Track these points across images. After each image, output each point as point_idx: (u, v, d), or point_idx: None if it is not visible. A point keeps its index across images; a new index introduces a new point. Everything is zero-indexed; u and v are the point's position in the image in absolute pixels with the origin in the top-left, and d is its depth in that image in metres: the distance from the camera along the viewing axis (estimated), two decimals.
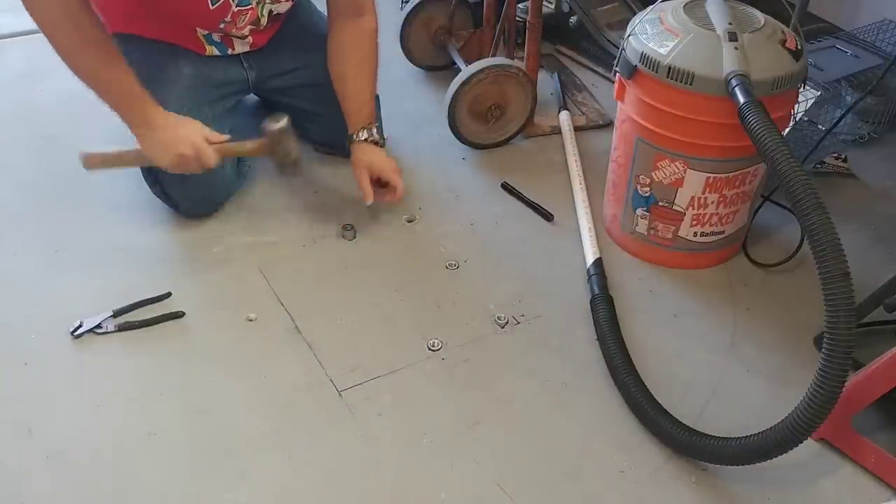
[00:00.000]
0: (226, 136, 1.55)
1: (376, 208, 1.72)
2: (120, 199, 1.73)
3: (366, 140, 1.68)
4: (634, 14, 1.76)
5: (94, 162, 1.57)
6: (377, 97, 1.89)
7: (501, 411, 1.35)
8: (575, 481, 1.25)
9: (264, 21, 1.65)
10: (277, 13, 1.68)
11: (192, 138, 1.50)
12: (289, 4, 1.68)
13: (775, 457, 1.16)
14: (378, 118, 1.87)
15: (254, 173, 1.83)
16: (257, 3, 1.60)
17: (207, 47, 1.67)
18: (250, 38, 1.70)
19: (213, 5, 1.53)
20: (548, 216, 1.76)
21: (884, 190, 1.89)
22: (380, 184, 1.70)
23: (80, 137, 1.91)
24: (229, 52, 1.70)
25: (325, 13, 1.87)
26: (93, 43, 1.43)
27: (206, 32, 1.64)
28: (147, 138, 1.50)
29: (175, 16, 1.58)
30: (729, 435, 1.21)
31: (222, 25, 1.60)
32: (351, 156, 1.70)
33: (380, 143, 1.71)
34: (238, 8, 1.56)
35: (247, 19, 1.61)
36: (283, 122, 1.56)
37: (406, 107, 2.07)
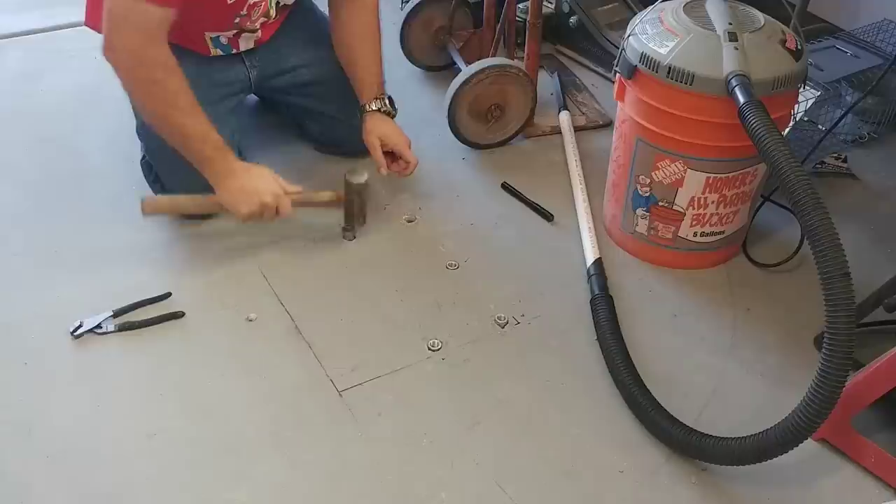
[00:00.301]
0: (299, 187, 1.58)
1: (376, 198, 1.72)
2: (120, 199, 1.73)
3: (378, 110, 1.69)
4: (634, 14, 1.77)
5: (156, 206, 1.59)
6: None
7: (501, 411, 1.35)
8: (575, 481, 1.25)
9: (273, 13, 1.66)
10: (285, 4, 1.68)
11: (272, 187, 1.52)
12: None
13: (775, 457, 1.16)
14: None
15: None
16: None
17: (213, 50, 1.67)
18: (259, 33, 1.70)
19: (230, 0, 1.52)
20: (548, 216, 1.76)
21: (884, 190, 1.89)
22: (391, 156, 1.71)
23: (80, 137, 1.92)
24: (233, 51, 1.69)
25: (326, 13, 1.88)
26: (179, 99, 1.44)
27: (215, 35, 1.64)
28: (228, 188, 1.52)
29: (189, 20, 1.57)
30: (729, 435, 1.21)
31: (237, 20, 1.59)
32: (363, 125, 1.70)
33: (392, 113, 1.71)
34: (253, 1, 1.57)
35: (260, 11, 1.61)
36: (365, 177, 1.59)
37: (406, 107, 2.05)
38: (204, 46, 1.66)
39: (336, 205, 1.63)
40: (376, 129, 1.69)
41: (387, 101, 1.71)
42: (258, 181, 1.53)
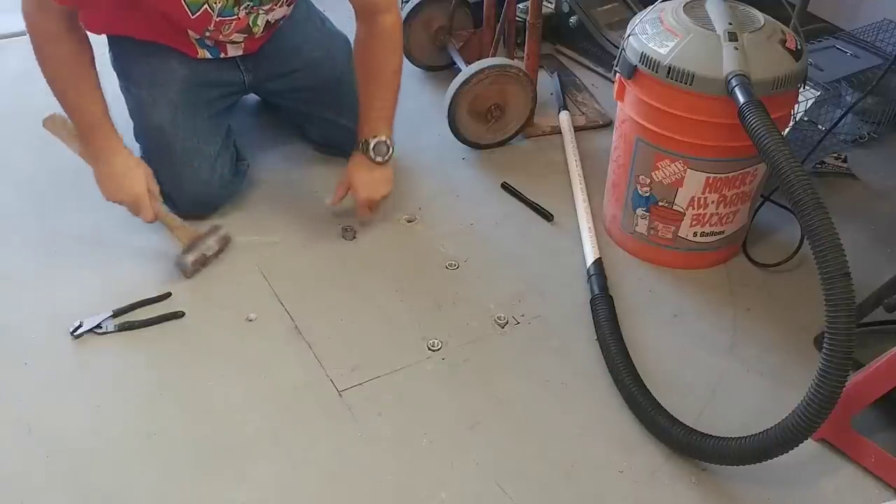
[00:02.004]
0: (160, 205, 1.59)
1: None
2: None
3: (363, 153, 1.63)
4: (634, 14, 1.76)
5: (55, 126, 1.59)
6: None
7: (501, 411, 1.35)
8: (575, 481, 1.25)
9: (259, 30, 1.61)
10: (274, 20, 1.64)
11: (135, 188, 1.54)
12: (284, 11, 1.63)
13: (775, 457, 1.16)
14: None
15: (254, 173, 1.83)
16: (247, 14, 1.55)
17: (200, 51, 1.65)
18: (243, 44, 1.67)
19: (193, 15, 1.49)
20: (548, 216, 1.76)
21: (884, 190, 1.89)
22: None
23: None
24: (222, 55, 1.67)
25: (324, 13, 1.88)
26: (63, 68, 1.46)
27: (198, 37, 1.62)
28: (98, 168, 1.56)
29: (163, 20, 1.56)
30: (729, 435, 1.21)
31: (207, 33, 1.57)
32: (348, 162, 1.67)
33: (376, 160, 1.62)
34: (220, 18, 1.52)
35: (232, 28, 1.56)
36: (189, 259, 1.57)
37: (406, 107, 2.05)
38: (191, 47, 1.63)
39: (185, 236, 1.60)
40: (350, 174, 1.65)
41: (371, 146, 1.61)
42: (124, 176, 1.55)
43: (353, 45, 1.64)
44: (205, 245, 1.59)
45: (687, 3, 1.50)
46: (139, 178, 1.55)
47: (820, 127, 1.86)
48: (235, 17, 1.54)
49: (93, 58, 1.49)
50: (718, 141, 1.45)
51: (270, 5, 1.57)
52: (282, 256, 1.64)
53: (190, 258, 1.56)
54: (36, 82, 2.01)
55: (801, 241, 1.59)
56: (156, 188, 1.58)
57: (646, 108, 1.49)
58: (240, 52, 1.69)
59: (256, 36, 1.64)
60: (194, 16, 1.49)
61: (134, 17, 1.58)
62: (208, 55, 1.66)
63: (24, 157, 1.88)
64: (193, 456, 1.27)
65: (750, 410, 1.35)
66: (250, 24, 1.58)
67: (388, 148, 1.63)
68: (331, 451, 1.28)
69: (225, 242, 1.63)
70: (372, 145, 1.61)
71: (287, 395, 1.36)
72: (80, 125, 1.53)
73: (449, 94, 1.87)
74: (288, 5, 1.63)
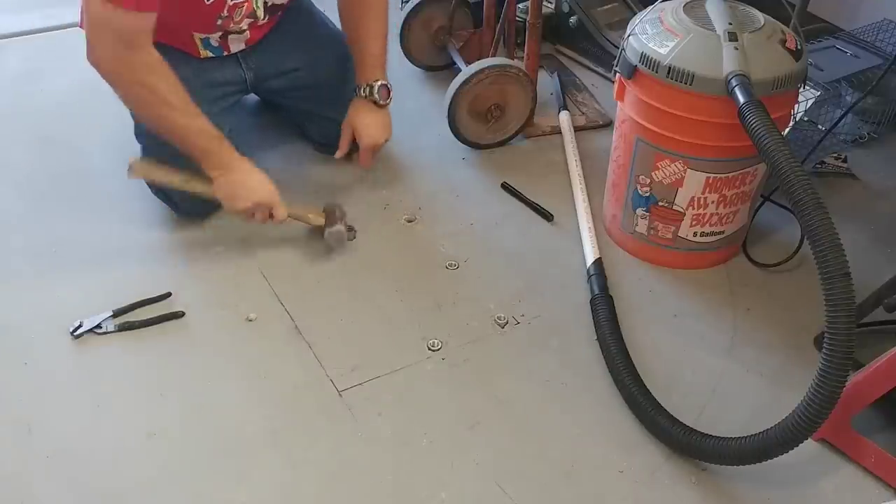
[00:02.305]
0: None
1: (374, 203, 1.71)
2: (120, 199, 1.73)
3: (364, 97, 1.67)
4: (634, 14, 1.77)
5: (145, 173, 1.58)
6: None
7: (501, 411, 1.35)
8: (575, 481, 1.25)
9: (261, 13, 1.63)
10: (273, 4, 1.65)
11: (270, 189, 1.54)
12: None
13: (775, 457, 1.16)
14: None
15: None
16: None
17: (202, 51, 1.65)
18: (248, 34, 1.68)
19: (208, 1, 1.51)
20: (548, 216, 1.76)
21: (884, 190, 1.89)
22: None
23: (80, 137, 1.92)
24: (224, 53, 1.68)
25: (325, 13, 1.88)
26: (170, 98, 1.43)
27: (204, 37, 1.63)
28: (227, 180, 1.52)
29: (172, 21, 1.57)
30: (729, 435, 1.21)
31: (219, 22, 1.58)
32: (350, 107, 1.70)
33: (379, 102, 1.67)
34: (233, 1, 1.55)
35: (243, 12, 1.59)
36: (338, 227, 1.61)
37: (406, 107, 2.06)
38: (194, 48, 1.64)
39: (319, 230, 1.62)
40: (353, 118, 1.68)
41: (374, 89, 1.66)
42: (256, 181, 1.54)
43: (339, 2, 1.67)
44: (339, 214, 1.62)
45: (687, 3, 1.50)
46: (266, 180, 1.55)
47: (820, 127, 1.86)
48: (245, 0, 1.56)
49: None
50: (718, 141, 1.45)
51: None
52: (282, 256, 1.64)
53: (341, 227, 1.60)
54: (36, 82, 2.01)
55: (801, 241, 1.59)
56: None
57: (646, 108, 1.49)
58: (242, 46, 1.70)
59: (260, 22, 1.66)
60: (209, 2, 1.51)
61: None
62: (210, 55, 1.67)
63: (24, 157, 1.88)
64: (193, 456, 1.27)
65: (750, 410, 1.35)
66: (255, 7, 1.61)
67: (389, 90, 1.68)
68: (331, 451, 1.28)
69: (343, 209, 1.65)
70: (375, 88, 1.66)
71: (287, 395, 1.36)
72: (199, 145, 1.49)
73: (449, 94, 1.87)
74: None
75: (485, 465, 1.27)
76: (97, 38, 1.38)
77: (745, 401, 1.38)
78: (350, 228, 1.67)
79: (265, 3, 1.63)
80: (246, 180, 1.53)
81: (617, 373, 1.37)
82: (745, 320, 1.54)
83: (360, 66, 1.68)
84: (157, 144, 1.64)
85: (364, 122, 1.68)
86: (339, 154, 1.72)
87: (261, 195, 1.53)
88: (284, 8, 1.71)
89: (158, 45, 1.61)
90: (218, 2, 1.53)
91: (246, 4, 1.58)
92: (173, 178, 1.57)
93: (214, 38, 1.64)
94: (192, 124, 1.48)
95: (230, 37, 1.66)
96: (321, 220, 1.62)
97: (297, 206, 1.63)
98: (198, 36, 1.62)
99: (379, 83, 1.67)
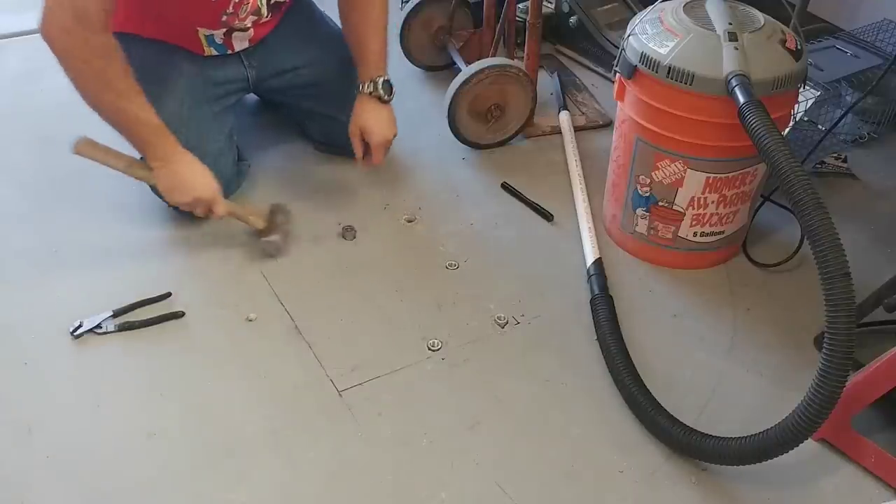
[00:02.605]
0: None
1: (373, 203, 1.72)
2: (120, 199, 1.73)
3: (369, 94, 1.67)
4: (634, 14, 1.77)
5: (89, 150, 1.56)
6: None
7: (501, 411, 1.35)
8: (575, 481, 1.25)
9: (265, 11, 1.63)
10: (277, 2, 1.66)
11: (210, 185, 1.53)
12: None
13: (775, 457, 1.16)
14: None
15: (254, 172, 1.83)
16: None
17: (207, 48, 1.66)
18: (251, 31, 1.68)
19: None
20: (548, 216, 1.76)
21: (884, 190, 1.89)
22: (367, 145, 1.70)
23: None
24: (228, 52, 1.69)
25: (325, 13, 1.88)
26: (117, 83, 1.43)
27: (209, 33, 1.63)
28: (165, 172, 1.52)
29: (178, 17, 1.58)
30: (729, 435, 1.21)
31: (224, 18, 1.58)
32: (355, 105, 1.69)
33: (384, 98, 1.67)
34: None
35: (248, 9, 1.59)
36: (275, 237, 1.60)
37: (406, 107, 2.06)
38: (198, 45, 1.65)
39: (260, 222, 1.61)
40: (360, 118, 1.67)
41: (379, 85, 1.66)
42: (194, 175, 1.53)
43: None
44: (280, 220, 1.61)
45: (687, 3, 1.50)
46: (209, 175, 1.54)
47: (820, 127, 1.86)
48: None
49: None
50: (718, 141, 1.45)
51: None
52: (282, 256, 1.64)
53: (277, 237, 1.58)
54: (36, 82, 2.01)
55: (801, 241, 1.59)
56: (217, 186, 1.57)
57: (646, 108, 1.49)
58: (246, 45, 1.70)
59: (263, 20, 1.66)
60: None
61: (146, 16, 1.59)
62: (215, 52, 1.67)
63: (24, 157, 1.88)
64: (193, 456, 1.27)
65: (750, 410, 1.35)
66: (259, 3, 1.60)
67: (392, 87, 1.68)
68: (331, 451, 1.28)
69: (288, 214, 1.64)
70: (380, 84, 1.66)
71: (287, 395, 1.36)
72: (141, 136, 1.49)
73: (449, 94, 1.87)
74: None
75: (485, 465, 1.27)
76: (53, 13, 1.36)
77: (745, 401, 1.38)
78: (352, 231, 1.67)
79: (270, 1, 1.63)
80: (186, 174, 1.53)
81: (617, 373, 1.37)
82: (745, 320, 1.54)
83: (363, 63, 1.67)
84: None
85: (372, 120, 1.67)
86: (358, 160, 1.69)
87: (200, 191, 1.53)
88: (287, 5, 1.72)
89: (163, 44, 1.63)
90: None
91: (251, 1, 1.58)
92: (116, 162, 1.55)
93: (219, 36, 1.64)
94: (137, 113, 1.46)
95: (234, 34, 1.66)
96: (261, 224, 1.61)
97: (240, 205, 1.62)
98: (202, 32, 1.63)
99: (382, 79, 1.66)
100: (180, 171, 1.52)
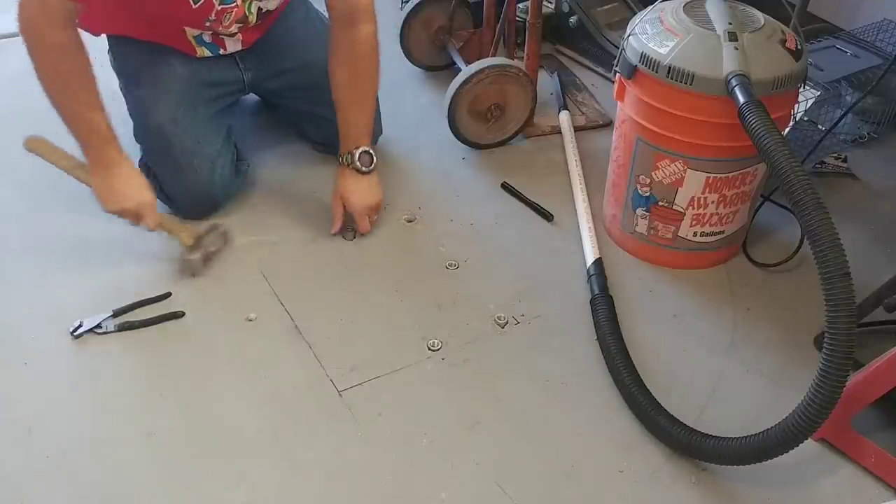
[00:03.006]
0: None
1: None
2: None
3: (348, 166, 1.65)
4: (634, 14, 1.76)
5: (37, 147, 1.56)
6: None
7: (501, 411, 1.35)
8: (575, 481, 1.25)
9: (253, 18, 1.62)
10: (267, 10, 1.65)
11: (140, 198, 1.52)
12: (278, 1, 1.65)
13: (776, 457, 1.16)
14: (378, 126, 1.86)
15: (254, 173, 1.83)
16: (243, 1, 1.56)
17: (198, 48, 1.65)
18: (240, 36, 1.68)
19: (195, 4, 1.50)
20: (548, 216, 1.76)
21: (884, 190, 1.89)
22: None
23: None
24: (221, 52, 1.68)
25: (324, 12, 1.88)
26: (70, 81, 1.43)
27: (197, 33, 1.62)
28: (101, 178, 1.52)
29: (161, 16, 1.56)
30: (729, 435, 1.21)
31: (208, 24, 1.57)
32: (336, 177, 1.67)
33: (362, 170, 1.64)
34: (222, 6, 1.53)
35: (232, 17, 1.58)
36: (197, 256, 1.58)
37: (406, 107, 2.06)
38: (189, 46, 1.64)
39: (190, 240, 1.60)
40: (342, 188, 1.66)
41: (356, 157, 1.63)
42: (127, 185, 1.52)
43: (328, 56, 1.62)
44: (208, 242, 1.60)
45: (687, 3, 1.50)
46: (144, 186, 1.54)
47: (820, 127, 1.86)
48: (234, 5, 1.55)
49: (92, 67, 1.46)
50: (718, 141, 1.45)
51: None
52: (282, 256, 1.64)
53: (198, 256, 1.57)
54: (36, 82, 2.00)
55: (801, 241, 1.59)
56: (154, 201, 1.57)
57: (646, 108, 1.49)
58: (238, 47, 1.70)
59: (251, 25, 1.65)
60: (196, 5, 1.50)
61: (131, 16, 1.59)
62: (207, 53, 1.66)
63: (24, 157, 1.86)
64: (193, 456, 1.27)
65: (750, 410, 1.35)
66: (246, 12, 1.59)
67: (372, 157, 1.65)
68: (331, 451, 1.28)
69: (225, 239, 1.64)
70: (357, 156, 1.64)
71: (287, 395, 1.36)
72: (83, 136, 1.49)
73: (449, 94, 1.87)
74: None
75: (485, 465, 1.27)
76: (23, 5, 1.37)
77: (745, 401, 1.38)
78: (352, 231, 1.68)
79: (259, 9, 1.62)
80: (119, 184, 1.52)
81: (617, 373, 1.37)
82: (745, 320, 1.54)
83: (344, 136, 1.65)
84: (157, 145, 1.64)
85: (351, 191, 1.65)
86: (333, 229, 1.67)
87: (130, 204, 1.52)
88: (277, 13, 1.70)
89: (158, 47, 1.62)
90: (205, 5, 1.51)
91: (235, 10, 1.56)
92: (62, 162, 1.55)
93: (207, 35, 1.64)
94: (85, 115, 1.46)
95: (224, 38, 1.66)
96: (189, 242, 1.59)
97: (174, 220, 1.62)
98: (190, 33, 1.62)
99: (360, 150, 1.64)
100: (115, 180, 1.52)
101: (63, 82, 1.43)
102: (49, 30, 1.38)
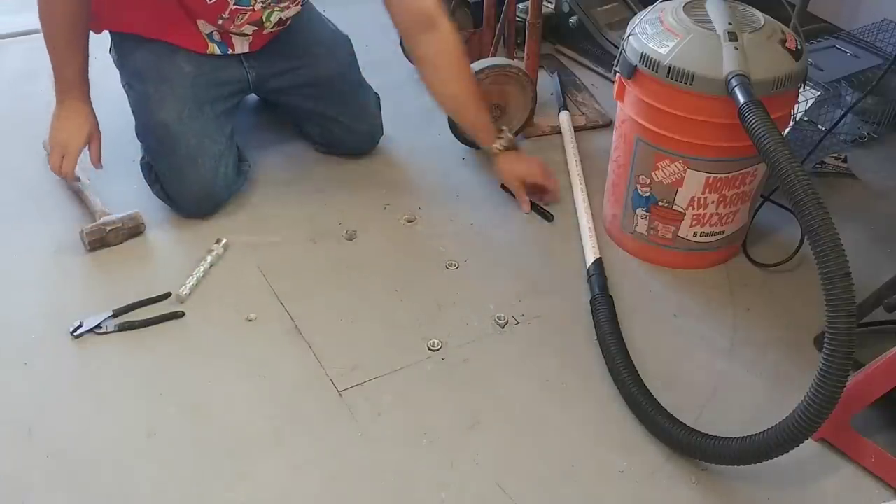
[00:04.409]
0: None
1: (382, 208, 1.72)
2: (120, 198, 1.73)
3: (506, 149, 1.72)
4: (634, 14, 1.76)
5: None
6: (377, 96, 1.89)
7: (501, 411, 1.35)
8: (575, 481, 1.25)
9: (270, 25, 1.64)
10: (282, 18, 1.66)
11: (77, 136, 1.62)
12: (297, 9, 1.67)
13: (776, 457, 1.16)
14: (379, 127, 1.87)
15: (254, 173, 1.83)
16: (262, 8, 1.58)
17: (209, 45, 1.66)
18: (251, 38, 1.68)
19: (209, 1, 1.52)
20: (548, 216, 1.76)
21: (884, 190, 1.89)
22: (534, 187, 1.76)
23: None
24: (229, 51, 1.69)
25: (323, 12, 1.88)
26: (74, 23, 1.53)
27: (210, 30, 1.63)
28: (57, 108, 1.62)
29: (175, 10, 1.57)
30: (729, 435, 1.21)
31: (220, 21, 1.59)
32: (494, 166, 1.75)
33: (514, 145, 1.75)
34: (236, 6, 1.55)
35: (246, 18, 1.59)
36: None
37: (406, 107, 2.06)
38: (199, 41, 1.64)
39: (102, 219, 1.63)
40: (514, 170, 1.74)
41: (508, 135, 1.74)
42: (71, 122, 1.62)
43: (422, 69, 1.67)
44: (111, 222, 1.62)
45: (687, 3, 1.50)
46: (81, 130, 1.61)
47: (820, 127, 1.86)
48: (251, 8, 1.57)
49: (88, 24, 1.56)
50: (718, 141, 1.45)
51: (287, 3, 1.61)
52: (282, 256, 1.64)
53: (85, 229, 1.60)
54: (36, 82, 2.01)
55: (801, 241, 1.59)
56: (95, 154, 1.66)
57: (646, 108, 1.49)
58: (246, 49, 1.70)
59: (265, 31, 1.66)
60: (211, 1, 1.51)
61: (141, 9, 1.59)
62: (217, 50, 1.67)
63: (24, 157, 1.88)
64: (193, 456, 1.26)
65: (750, 410, 1.35)
66: (263, 18, 1.61)
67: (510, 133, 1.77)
68: (331, 451, 1.28)
69: (135, 226, 1.64)
70: (506, 134, 1.74)
71: (287, 395, 1.36)
72: (61, 75, 1.58)
73: None
74: (300, 5, 1.66)
75: (485, 465, 1.27)
76: None
77: (745, 401, 1.38)
78: (349, 229, 1.67)
79: (280, 18, 1.63)
80: (62, 118, 1.61)
81: (617, 373, 1.37)
82: (745, 320, 1.54)
83: (484, 127, 1.73)
84: (161, 143, 1.64)
85: (525, 166, 1.75)
86: (528, 208, 1.76)
87: (63, 138, 1.61)
88: (290, 20, 1.71)
89: (165, 45, 1.63)
90: (220, 3, 1.54)
91: (251, 14, 1.58)
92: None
93: (217, 34, 1.65)
94: (66, 56, 1.56)
95: (234, 37, 1.66)
96: (97, 217, 1.63)
97: (89, 190, 1.68)
98: (203, 28, 1.63)
99: (505, 132, 1.74)
100: (63, 114, 1.61)
101: (59, 26, 1.54)
102: None
